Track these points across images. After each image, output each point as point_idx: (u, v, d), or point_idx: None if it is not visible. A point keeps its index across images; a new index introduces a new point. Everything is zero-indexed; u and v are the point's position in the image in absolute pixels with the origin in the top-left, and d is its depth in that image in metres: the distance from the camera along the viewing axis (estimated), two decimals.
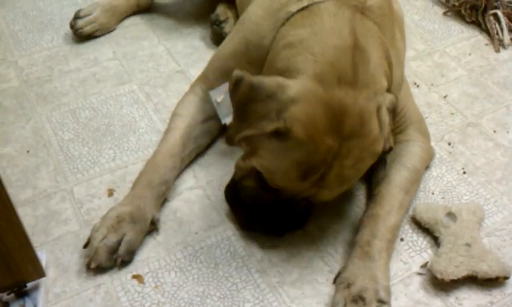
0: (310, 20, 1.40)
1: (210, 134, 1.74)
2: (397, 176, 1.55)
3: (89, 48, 2.16)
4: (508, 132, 1.84)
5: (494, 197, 1.65)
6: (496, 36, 2.19)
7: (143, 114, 1.90)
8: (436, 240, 1.52)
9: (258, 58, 1.51)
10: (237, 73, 1.34)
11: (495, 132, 1.84)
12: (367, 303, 1.33)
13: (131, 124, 1.86)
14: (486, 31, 2.23)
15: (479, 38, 2.22)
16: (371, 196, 1.56)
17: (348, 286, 1.36)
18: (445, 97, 1.97)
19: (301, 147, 1.30)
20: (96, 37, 2.20)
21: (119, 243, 1.45)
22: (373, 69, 1.35)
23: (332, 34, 1.36)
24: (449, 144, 1.79)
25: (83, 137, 1.82)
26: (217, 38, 2.13)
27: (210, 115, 1.70)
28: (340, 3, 1.42)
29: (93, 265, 1.43)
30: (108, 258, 1.44)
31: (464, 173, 1.72)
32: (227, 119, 1.62)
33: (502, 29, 2.20)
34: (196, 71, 2.04)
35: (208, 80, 1.73)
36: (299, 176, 1.34)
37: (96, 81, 2.03)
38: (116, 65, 2.09)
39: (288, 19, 1.45)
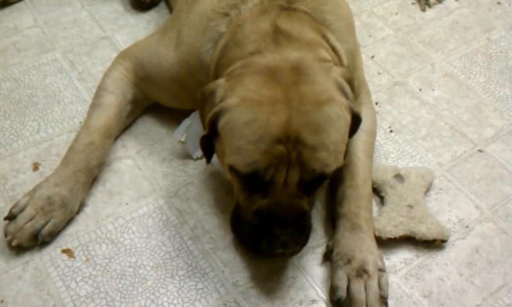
0: (233, 36, 1.40)
1: (135, 115, 1.71)
2: (360, 142, 1.54)
3: (9, 16, 2.05)
4: (433, 90, 1.89)
5: (419, 153, 1.70)
6: None
7: (67, 84, 1.83)
8: (382, 200, 1.55)
9: (204, 78, 1.49)
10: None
11: (420, 90, 1.89)
12: (370, 275, 1.34)
13: (55, 94, 1.80)
14: None
15: None
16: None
17: (349, 261, 1.36)
18: (372, 57, 2.00)
19: (243, 110, 1.25)
20: (13, 3, 2.09)
21: (45, 225, 1.42)
22: (300, 36, 1.36)
23: (251, 34, 1.37)
24: (376, 103, 1.82)
25: (5, 109, 1.74)
26: (135, 2, 2.10)
27: (137, 98, 1.67)
28: (264, 7, 1.41)
29: (14, 243, 1.40)
30: (31, 239, 1.41)
31: (391, 131, 1.76)
32: (198, 153, 1.62)
33: None
34: (122, 37, 1.98)
35: (137, 77, 1.64)
36: (263, 137, 1.22)
37: (17, 51, 1.93)
38: (38, 33, 2.00)
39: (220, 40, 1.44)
